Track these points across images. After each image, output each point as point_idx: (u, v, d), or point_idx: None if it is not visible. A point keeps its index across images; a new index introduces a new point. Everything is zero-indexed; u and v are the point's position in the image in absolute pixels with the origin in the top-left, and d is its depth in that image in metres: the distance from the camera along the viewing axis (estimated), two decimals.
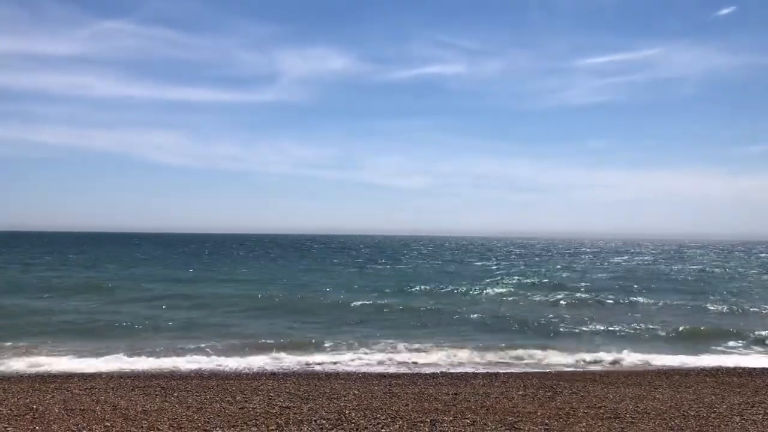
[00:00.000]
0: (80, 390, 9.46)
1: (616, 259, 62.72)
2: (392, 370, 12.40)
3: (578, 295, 26.89)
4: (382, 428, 7.19)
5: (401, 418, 7.69)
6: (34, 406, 8.13)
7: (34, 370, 11.91)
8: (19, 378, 10.95)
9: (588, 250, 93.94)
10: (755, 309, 22.69)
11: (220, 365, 12.59)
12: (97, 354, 13.40)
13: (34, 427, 7.09)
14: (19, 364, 12.38)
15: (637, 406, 8.51)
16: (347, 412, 8.00)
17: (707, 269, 46.95)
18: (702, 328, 18.18)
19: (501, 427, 7.30)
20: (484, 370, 12.17)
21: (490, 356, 13.79)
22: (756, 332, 17.10)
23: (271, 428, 7.15)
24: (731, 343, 15.99)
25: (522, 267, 47.53)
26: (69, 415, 7.68)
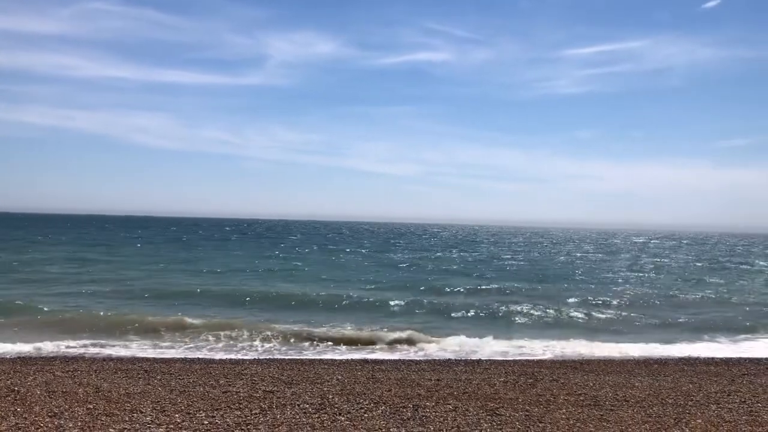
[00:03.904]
0: (62, 372, 9.42)
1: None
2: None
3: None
4: (364, 413, 7.25)
5: (384, 403, 7.75)
6: (16, 388, 8.09)
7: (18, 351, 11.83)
8: (0, 359, 10.87)
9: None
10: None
11: None
12: None
13: (16, 409, 7.05)
14: None
15: (617, 394, 8.65)
16: (330, 396, 8.05)
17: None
18: None
19: (482, 412, 7.39)
20: (464, 357, 12.28)
21: None
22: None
23: (254, 412, 7.18)
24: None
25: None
26: (51, 397, 7.65)
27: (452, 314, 18.66)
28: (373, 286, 25.36)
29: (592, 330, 16.43)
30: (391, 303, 20.24)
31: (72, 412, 6.99)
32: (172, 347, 13.01)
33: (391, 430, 6.65)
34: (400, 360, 11.83)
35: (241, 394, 8.08)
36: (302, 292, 22.20)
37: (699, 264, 43.99)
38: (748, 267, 42.24)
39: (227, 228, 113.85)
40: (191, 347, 13.06)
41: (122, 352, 12.14)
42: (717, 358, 12.57)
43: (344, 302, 20.30)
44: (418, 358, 12.13)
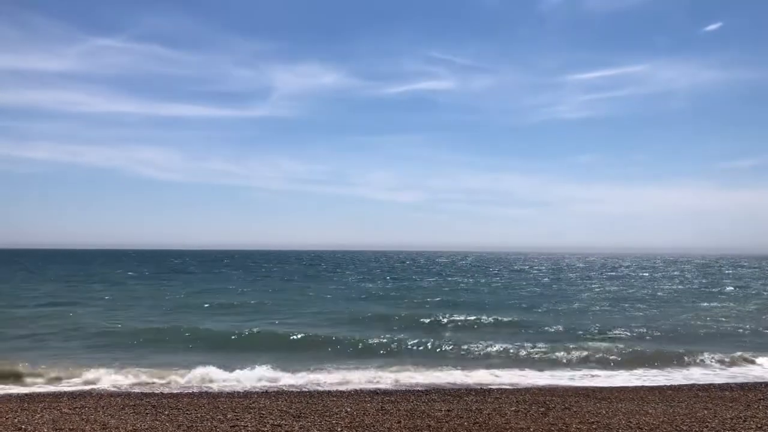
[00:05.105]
0: (69, 409, 9.36)
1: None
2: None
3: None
4: None
5: None
6: (23, 426, 8.04)
7: (26, 390, 11.78)
8: (7, 397, 10.82)
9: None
10: None
11: None
12: None
13: None
14: None
15: (630, 421, 8.50)
16: (339, 429, 7.95)
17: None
18: None
19: None
20: (476, 386, 12.12)
21: None
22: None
23: None
24: None
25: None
26: None
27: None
28: (317, 319, 23.48)
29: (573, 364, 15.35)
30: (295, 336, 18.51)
31: None
32: None
33: None
34: (409, 391, 11.70)
35: (249, 429, 7.99)
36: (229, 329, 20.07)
37: (706, 289, 43.37)
38: (749, 290, 41.62)
39: (226, 260, 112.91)
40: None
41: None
42: (732, 384, 12.37)
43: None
44: (426, 389, 11.99)
